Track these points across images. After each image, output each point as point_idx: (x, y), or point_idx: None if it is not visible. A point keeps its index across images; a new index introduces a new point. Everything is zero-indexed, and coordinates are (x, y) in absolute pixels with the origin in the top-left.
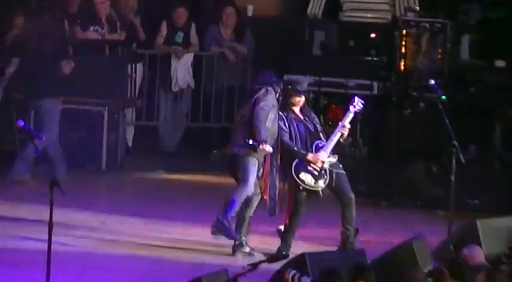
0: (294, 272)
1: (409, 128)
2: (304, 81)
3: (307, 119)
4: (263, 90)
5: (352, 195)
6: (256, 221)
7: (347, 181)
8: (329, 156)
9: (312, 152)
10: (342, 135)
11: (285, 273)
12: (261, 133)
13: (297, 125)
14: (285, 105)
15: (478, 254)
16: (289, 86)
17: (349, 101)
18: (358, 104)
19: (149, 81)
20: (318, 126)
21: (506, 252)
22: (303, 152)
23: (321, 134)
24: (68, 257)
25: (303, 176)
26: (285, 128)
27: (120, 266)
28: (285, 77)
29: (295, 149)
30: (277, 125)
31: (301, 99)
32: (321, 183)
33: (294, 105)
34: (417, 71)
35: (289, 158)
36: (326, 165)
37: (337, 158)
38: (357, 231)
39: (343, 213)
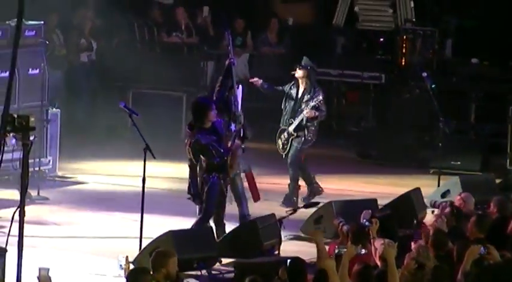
0: (340, 219)
1: (408, 108)
2: (305, 58)
3: (305, 96)
4: None
5: (289, 160)
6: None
7: (293, 150)
8: (291, 132)
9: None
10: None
11: (334, 219)
12: None
13: (289, 101)
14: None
15: (470, 201)
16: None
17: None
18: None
19: (217, 73)
20: (310, 103)
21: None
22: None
23: (301, 110)
24: None
25: (278, 141)
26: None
27: None
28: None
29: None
30: None
31: (297, 73)
32: (282, 151)
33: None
34: (413, 66)
35: None
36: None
37: (295, 134)
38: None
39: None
